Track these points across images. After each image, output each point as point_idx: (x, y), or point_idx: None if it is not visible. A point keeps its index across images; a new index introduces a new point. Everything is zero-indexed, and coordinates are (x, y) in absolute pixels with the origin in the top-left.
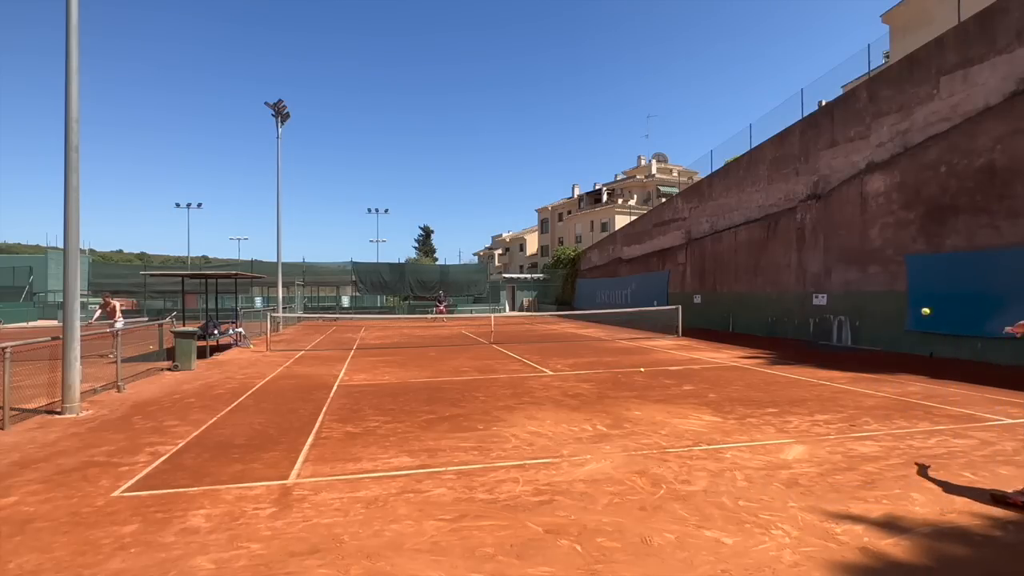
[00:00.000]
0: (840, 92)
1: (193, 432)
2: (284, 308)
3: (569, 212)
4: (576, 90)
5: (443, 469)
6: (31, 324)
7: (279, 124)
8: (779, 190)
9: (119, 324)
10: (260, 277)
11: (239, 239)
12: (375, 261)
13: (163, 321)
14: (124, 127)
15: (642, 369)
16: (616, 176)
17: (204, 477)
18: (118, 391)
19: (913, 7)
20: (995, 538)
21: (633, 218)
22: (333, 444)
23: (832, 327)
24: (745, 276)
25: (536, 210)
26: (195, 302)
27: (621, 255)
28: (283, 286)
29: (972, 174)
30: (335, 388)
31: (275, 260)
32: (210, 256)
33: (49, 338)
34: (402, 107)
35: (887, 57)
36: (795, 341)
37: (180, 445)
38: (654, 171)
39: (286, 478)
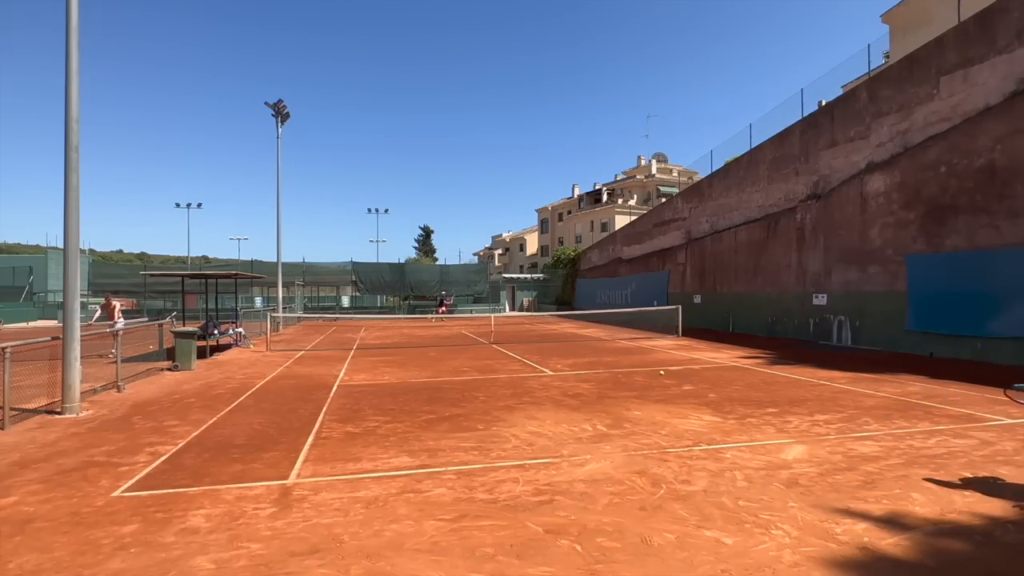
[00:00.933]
0: (840, 92)
1: (193, 432)
2: (284, 308)
3: (569, 212)
4: (576, 90)
5: (443, 469)
6: (31, 324)
7: (279, 124)
8: (779, 190)
9: (119, 324)
10: (260, 277)
11: (239, 239)
12: (375, 261)
13: (163, 321)
14: (124, 127)
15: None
16: (616, 176)
17: (204, 477)
18: (118, 391)
19: (913, 7)
20: (995, 538)
21: (633, 218)
22: (333, 444)
23: (832, 327)
24: (745, 276)
25: (536, 210)
26: (195, 302)
27: (621, 255)
28: (283, 286)
29: (972, 174)
30: (335, 388)
31: (275, 260)
32: (210, 256)
33: (49, 338)
34: (402, 107)
35: (887, 57)
36: (795, 341)
37: (180, 445)
38: (654, 171)
39: (286, 478)
